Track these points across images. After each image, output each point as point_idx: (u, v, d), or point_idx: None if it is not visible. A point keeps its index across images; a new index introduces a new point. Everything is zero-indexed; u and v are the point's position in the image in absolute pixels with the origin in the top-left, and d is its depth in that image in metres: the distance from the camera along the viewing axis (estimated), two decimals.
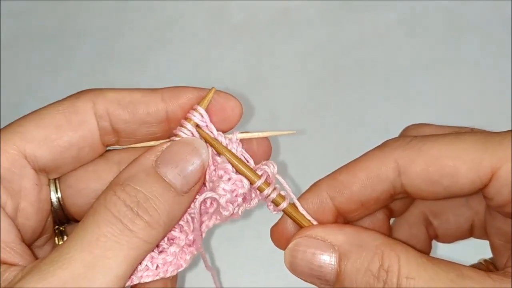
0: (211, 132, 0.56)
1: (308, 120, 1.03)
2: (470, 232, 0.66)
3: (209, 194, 0.54)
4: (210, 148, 0.56)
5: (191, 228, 0.57)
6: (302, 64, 1.09)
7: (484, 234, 0.64)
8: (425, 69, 1.06)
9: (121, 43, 1.13)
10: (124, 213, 0.48)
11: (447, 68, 1.05)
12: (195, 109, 0.56)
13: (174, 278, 0.59)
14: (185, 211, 0.54)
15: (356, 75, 1.06)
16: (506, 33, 1.07)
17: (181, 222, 0.56)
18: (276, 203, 0.57)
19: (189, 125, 0.56)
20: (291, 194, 0.58)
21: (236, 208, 0.56)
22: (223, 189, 0.54)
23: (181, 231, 0.57)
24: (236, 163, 0.56)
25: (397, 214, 0.66)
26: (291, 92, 1.06)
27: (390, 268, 0.49)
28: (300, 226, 0.57)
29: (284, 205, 0.57)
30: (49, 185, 0.57)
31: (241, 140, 0.58)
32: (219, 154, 0.56)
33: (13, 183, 0.53)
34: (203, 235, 0.59)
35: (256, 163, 0.58)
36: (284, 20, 1.13)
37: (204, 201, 0.56)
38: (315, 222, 0.57)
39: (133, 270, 0.50)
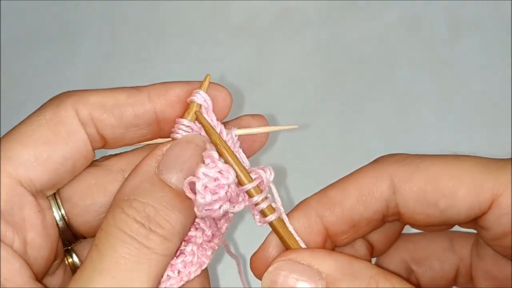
0: (212, 120, 0.53)
1: (308, 120, 1.03)
2: (454, 281, 0.61)
3: (190, 178, 0.49)
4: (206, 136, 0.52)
5: (207, 223, 0.53)
6: (302, 64, 1.09)
7: (468, 281, 0.60)
8: (425, 69, 1.05)
9: (121, 43, 1.13)
10: (137, 231, 0.45)
11: (447, 68, 1.05)
12: (196, 93, 0.52)
13: (205, 275, 0.55)
14: None
15: (356, 75, 1.06)
16: (506, 33, 1.07)
17: (197, 220, 0.53)
18: (264, 214, 0.52)
19: (185, 121, 0.52)
20: (281, 207, 0.53)
21: (218, 203, 0.50)
22: (203, 173, 0.48)
23: (196, 229, 0.53)
24: (229, 159, 0.51)
25: (378, 252, 0.60)
26: (291, 92, 1.06)
27: None
28: (285, 247, 0.52)
29: (272, 217, 0.51)
30: (50, 207, 0.53)
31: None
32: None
33: (14, 216, 0.48)
34: (224, 228, 0.55)
35: (247, 155, 0.54)
36: (284, 20, 1.13)
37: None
38: (303, 244, 0.52)
39: (158, 285, 0.48)
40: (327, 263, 0.47)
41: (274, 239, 0.53)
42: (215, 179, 0.49)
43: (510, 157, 0.51)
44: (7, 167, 0.48)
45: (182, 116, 0.53)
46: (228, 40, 1.12)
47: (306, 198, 0.54)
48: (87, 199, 0.54)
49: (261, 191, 0.52)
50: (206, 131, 0.52)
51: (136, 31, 1.14)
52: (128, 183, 0.49)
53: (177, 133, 0.52)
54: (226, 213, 0.52)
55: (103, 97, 0.52)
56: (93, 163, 0.56)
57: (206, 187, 0.49)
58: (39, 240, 0.50)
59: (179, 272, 0.51)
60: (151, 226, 0.46)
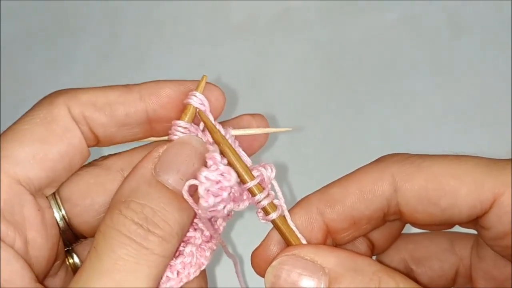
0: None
1: (308, 120, 1.03)
2: (453, 281, 0.61)
3: (191, 181, 0.49)
4: (206, 137, 0.53)
5: (206, 224, 0.53)
6: (302, 64, 1.09)
7: (467, 282, 0.60)
8: (425, 69, 1.05)
9: (121, 43, 1.13)
10: (135, 232, 0.45)
11: (447, 68, 1.05)
12: (192, 95, 0.52)
13: (203, 275, 0.55)
14: (195, 214, 0.51)
15: (356, 75, 1.06)
16: (506, 33, 1.07)
17: (195, 220, 0.53)
18: (266, 212, 0.52)
19: (182, 123, 0.52)
20: (283, 204, 0.53)
21: (221, 204, 0.50)
22: (205, 177, 0.48)
23: (195, 230, 0.53)
24: (232, 157, 0.51)
25: (378, 250, 0.61)
26: (291, 92, 1.06)
27: None
28: (287, 243, 0.52)
29: (273, 215, 0.52)
30: (50, 206, 0.53)
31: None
32: (213, 143, 0.52)
33: (15, 215, 0.48)
34: (222, 228, 0.55)
35: (247, 155, 0.54)
36: (284, 20, 1.13)
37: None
38: (304, 241, 0.52)
39: (157, 286, 0.48)
40: (330, 259, 0.48)
41: (276, 236, 0.54)
42: (217, 182, 0.49)
43: (510, 157, 0.51)
44: (5, 166, 0.48)
45: (177, 117, 0.53)
46: (228, 40, 1.12)
47: (307, 195, 0.54)
48: (87, 199, 0.54)
49: (263, 189, 0.52)
50: (209, 130, 0.52)
51: (136, 31, 1.14)
52: (126, 185, 0.49)
53: (174, 134, 0.52)
54: (230, 212, 0.53)
55: (94, 96, 0.53)
56: (92, 163, 0.56)
57: (208, 190, 0.49)
58: (39, 240, 0.50)
59: (178, 273, 0.51)
60: (149, 227, 0.46)
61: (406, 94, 1.03)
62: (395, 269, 0.48)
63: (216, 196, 0.49)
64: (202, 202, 0.49)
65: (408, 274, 0.61)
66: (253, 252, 0.55)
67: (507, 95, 1.00)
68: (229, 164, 0.51)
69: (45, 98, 0.53)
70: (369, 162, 0.54)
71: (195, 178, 0.49)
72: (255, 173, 0.52)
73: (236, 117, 0.56)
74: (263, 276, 0.52)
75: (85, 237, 0.56)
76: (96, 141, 0.54)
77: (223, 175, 0.49)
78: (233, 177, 0.50)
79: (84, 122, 0.52)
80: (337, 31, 1.11)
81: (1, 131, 0.51)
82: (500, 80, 1.03)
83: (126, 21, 1.15)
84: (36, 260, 0.49)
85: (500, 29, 1.07)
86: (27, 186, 0.49)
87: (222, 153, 0.51)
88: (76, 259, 0.58)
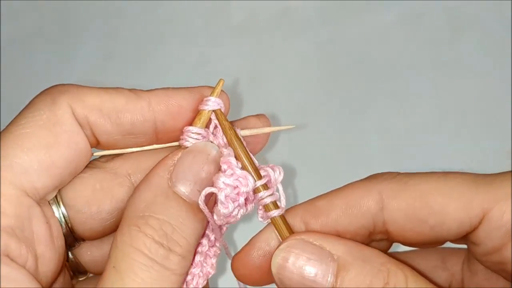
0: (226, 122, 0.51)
1: (308, 120, 1.03)
2: None
3: (208, 189, 0.48)
4: (218, 140, 0.51)
5: (211, 229, 0.52)
6: (302, 64, 1.09)
7: None
8: (425, 69, 1.05)
9: (121, 43, 1.13)
10: (156, 252, 0.44)
11: (447, 68, 1.05)
12: (208, 100, 0.51)
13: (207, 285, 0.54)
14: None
15: (356, 75, 1.06)
16: (506, 33, 1.07)
17: None
18: (266, 209, 0.51)
19: (196, 129, 0.51)
20: (283, 202, 0.52)
21: (237, 209, 0.50)
22: (224, 182, 0.48)
23: (202, 237, 0.52)
24: (245, 160, 0.50)
25: None
26: (291, 92, 1.06)
27: (397, 286, 0.44)
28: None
29: (275, 213, 0.51)
30: (54, 214, 0.50)
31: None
32: (226, 145, 0.51)
33: (25, 231, 0.45)
34: (224, 229, 0.54)
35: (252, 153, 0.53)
36: (284, 20, 1.13)
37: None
38: None
39: None
40: (339, 247, 0.47)
41: (259, 242, 0.53)
42: (235, 187, 0.49)
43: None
44: (9, 176, 0.44)
45: (186, 125, 0.52)
46: (228, 40, 1.12)
47: (295, 205, 0.54)
48: (93, 206, 0.51)
49: (268, 188, 0.51)
50: (225, 132, 0.51)
51: (136, 31, 1.14)
52: (141, 197, 0.47)
53: (187, 140, 0.51)
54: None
55: (100, 99, 0.49)
56: (96, 164, 0.53)
57: (227, 196, 0.48)
58: (48, 254, 0.47)
59: (186, 283, 0.51)
60: (169, 246, 0.45)
61: (406, 94, 1.03)
62: (404, 263, 0.47)
63: (234, 201, 0.49)
64: (222, 209, 0.48)
65: None
66: (234, 257, 0.54)
67: (507, 95, 1.00)
68: (243, 167, 0.50)
69: (45, 94, 0.50)
70: (358, 180, 0.54)
71: (211, 185, 0.48)
72: (262, 172, 0.51)
73: (242, 118, 0.55)
74: (242, 281, 0.52)
75: (84, 240, 0.55)
76: (96, 144, 0.51)
77: (239, 180, 0.49)
78: (250, 182, 0.49)
79: (88, 127, 0.49)
80: (337, 31, 1.11)
81: (1, 131, 0.49)
82: (500, 80, 1.03)
83: (127, 21, 1.15)
84: (43, 275, 0.47)
85: (500, 29, 1.07)
86: (34, 196, 0.46)
87: (236, 156, 0.50)
88: (70, 256, 0.57)
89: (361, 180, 0.53)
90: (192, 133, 0.50)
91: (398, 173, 0.51)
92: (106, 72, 1.09)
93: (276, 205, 0.52)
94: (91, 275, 0.59)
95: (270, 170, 0.52)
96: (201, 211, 0.47)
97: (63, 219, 0.50)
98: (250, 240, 0.54)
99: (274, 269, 0.48)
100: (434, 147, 0.96)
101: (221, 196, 0.48)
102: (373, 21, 1.11)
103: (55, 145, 0.47)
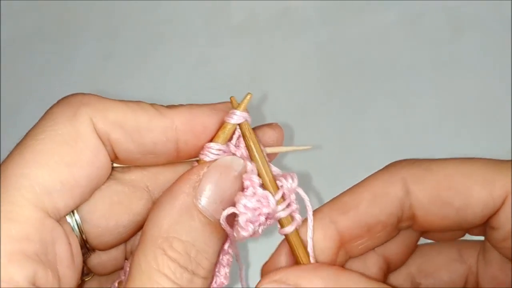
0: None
1: (308, 120, 1.03)
2: None
3: (230, 210, 0.47)
4: (241, 151, 0.50)
5: (233, 245, 0.52)
6: (302, 64, 1.09)
7: None
8: (425, 69, 1.05)
9: (121, 43, 1.13)
10: (181, 276, 0.44)
11: (447, 68, 1.05)
12: (232, 113, 0.49)
13: None
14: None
15: (356, 75, 1.06)
16: (506, 33, 1.07)
17: None
18: (281, 225, 0.50)
19: (216, 146, 0.49)
20: (298, 217, 0.50)
21: (257, 227, 0.48)
22: (245, 206, 0.47)
23: None
24: (266, 177, 0.49)
25: (393, 266, 0.58)
26: (291, 92, 1.06)
27: None
28: (296, 260, 0.50)
29: (287, 230, 0.50)
30: (72, 230, 0.48)
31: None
32: (248, 159, 0.50)
33: (48, 255, 0.43)
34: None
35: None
36: (284, 20, 1.13)
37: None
38: (312, 259, 0.50)
39: None
40: (313, 281, 0.46)
41: (285, 249, 0.52)
42: (256, 209, 0.48)
43: (510, 157, 0.51)
44: (32, 198, 0.42)
45: (212, 137, 0.50)
46: (228, 40, 1.12)
47: (319, 207, 0.53)
48: (111, 221, 0.49)
49: (283, 200, 0.50)
50: (250, 148, 0.50)
51: (136, 31, 1.14)
52: (165, 214, 0.45)
53: (207, 156, 0.49)
54: None
55: (123, 115, 0.46)
56: (113, 175, 0.51)
57: (247, 220, 0.48)
58: (69, 273, 0.45)
59: None
60: (193, 269, 0.45)
61: (406, 94, 1.03)
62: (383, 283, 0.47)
63: (254, 222, 0.48)
64: (242, 232, 0.48)
65: None
66: (263, 266, 0.54)
67: (507, 95, 1.00)
68: (264, 184, 0.49)
69: (65, 105, 0.46)
70: (378, 170, 0.53)
71: (234, 202, 0.47)
72: (278, 183, 0.50)
73: (256, 128, 0.53)
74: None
75: (94, 250, 0.53)
76: (115, 159, 0.49)
77: (261, 201, 0.48)
78: (272, 202, 0.48)
79: (108, 143, 0.47)
80: (337, 31, 1.11)
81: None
82: (500, 80, 1.03)
83: (126, 22, 1.15)
84: None
85: (500, 29, 1.07)
86: (55, 217, 0.44)
87: (258, 173, 0.49)
88: None
89: (381, 170, 0.53)
90: (214, 149, 0.49)
91: (417, 160, 0.52)
92: (106, 72, 1.09)
93: (289, 219, 0.50)
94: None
95: (284, 180, 0.50)
96: (222, 228, 0.47)
97: (78, 232, 0.48)
98: (277, 247, 0.53)
99: None
100: (434, 147, 0.96)
101: (241, 221, 0.47)
102: (373, 21, 1.11)
103: (78, 163, 0.44)
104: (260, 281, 0.48)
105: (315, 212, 0.53)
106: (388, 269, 0.58)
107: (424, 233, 0.57)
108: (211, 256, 0.46)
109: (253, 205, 0.47)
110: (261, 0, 1.14)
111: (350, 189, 0.53)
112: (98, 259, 0.54)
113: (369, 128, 1.00)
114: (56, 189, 0.43)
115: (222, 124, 0.50)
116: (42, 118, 0.46)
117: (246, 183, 0.48)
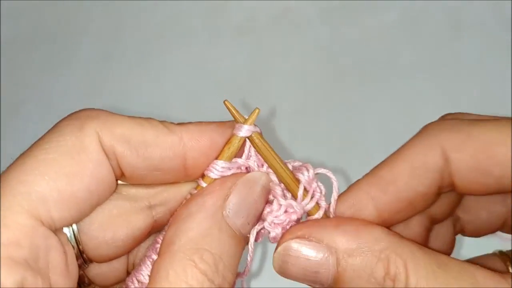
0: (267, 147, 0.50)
1: (308, 120, 1.03)
2: (499, 228, 0.59)
3: (260, 226, 0.48)
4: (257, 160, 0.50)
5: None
6: (302, 64, 1.09)
7: (509, 231, 0.58)
8: (425, 69, 1.06)
9: (121, 43, 1.13)
10: None
11: (447, 68, 1.05)
12: (240, 127, 0.49)
13: None
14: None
15: (356, 75, 1.06)
16: (506, 33, 1.07)
17: None
18: (308, 214, 0.50)
19: (222, 163, 0.48)
20: (323, 203, 0.51)
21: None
22: (273, 223, 0.48)
23: None
24: (290, 182, 0.50)
25: (438, 220, 0.57)
26: (291, 92, 1.06)
27: (397, 276, 0.44)
28: None
29: (316, 217, 0.50)
30: (68, 240, 0.47)
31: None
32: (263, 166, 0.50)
33: (39, 261, 0.42)
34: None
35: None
36: (284, 20, 1.13)
37: None
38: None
39: None
40: (335, 237, 0.46)
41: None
42: (284, 221, 0.49)
43: None
44: (26, 204, 0.42)
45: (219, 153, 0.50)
46: (228, 40, 1.12)
47: (357, 180, 0.52)
48: (108, 232, 0.48)
49: (307, 192, 0.50)
50: (266, 158, 0.50)
51: (136, 31, 1.14)
52: (196, 227, 0.45)
53: (213, 172, 0.49)
54: None
55: (130, 130, 0.46)
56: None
57: (277, 235, 0.49)
58: (62, 281, 0.45)
59: None
60: (220, 283, 0.44)
61: (406, 94, 1.03)
62: (409, 239, 0.46)
63: (283, 229, 0.49)
64: (274, 242, 0.49)
65: (455, 222, 0.59)
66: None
67: (507, 95, 1.00)
68: (289, 190, 0.50)
69: (72, 118, 0.46)
70: (415, 135, 0.52)
71: (260, 216, 0.49)
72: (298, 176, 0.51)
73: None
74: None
75: (91, 261, 0.52)
76: (121, 176, 0.48)
77: (288, 211, 0.49)
78: (298, 207, 0.49)
79: (114, 158, 0.46)
80: (337, 31, 1.11)
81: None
82: (500, 80, 1.03)
83: (127, 21, 1.15)
84: None
85: (500, 29, 1.07)
86: (49, 226, 0.43)
87: (279, 179, 0.50)
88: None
89: (418, 135, 0.52)
90: (219, 166, 0.49)
91: (458, 121, 0.50)
92: (106, 72, 1.09)
93: (317, 207, 0.51)
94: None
95: (300, 175, 0.50)
96: (244, 240, 0.47)
97: (74, 243, 0.48)
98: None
99: (276, 266, 0.48)
100: None
101: (272, 236, 0.49)
102: (373, 21, 1.11)
103: (78, 174, 0.44)
104: (282, 236, 0.48)
105: (352, 186, 0.52)
106: (432, 223, 0.57)
107: (466, 193, 0.56)
108: (235, 270, 0.46)
109: (281, 220, 0.49)
110: (261, 0, 1.14)
111: (386, 160, 0.52)
112: (98, 270, 0.54)
113: (369, 128, 1.01)
114: (52, 198, 0.43)
115: (229, 138, 0.50)
116: (50, 130, 0.46)
117: (272, 197, 0.49)
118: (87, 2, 1.17)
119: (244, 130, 0.49)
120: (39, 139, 0.45)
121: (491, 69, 1.04)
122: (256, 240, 0.49)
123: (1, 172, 0.44)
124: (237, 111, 0.50)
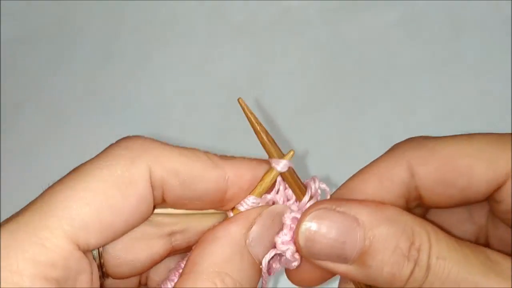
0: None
1: (308, 120, 1.03)
2: None
3: (272, 253, 0.50)
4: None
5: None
6: (302, 64, 1.09)
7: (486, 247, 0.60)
8: (425, 69, 1.06)
9: (121, 43, 1.13)
10: None
11: (447, 68, 1.05)
12: (278, 162, 0.52)
13: None
14: None
15: (356, 75, 1.06)
16: (506, 33, 1.07)
17: None
18: None
19: (254, 199, 0.51)
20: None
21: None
22: (283, 242, 0.50)
23: None
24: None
25: None
26: (291, 92, 1.06)
27: (421, 247, 0.45)
28: None
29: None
30: (94, 259, 0.49)
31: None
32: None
33: (68, 282, 0.44)
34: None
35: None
36: (284, 20, 1.13)
37: None
38: None
39: None
40: (363, 210, 0.47)
41: None
42: (292, 237, 0.51)
43: None
44: (68, 229, 0.44)
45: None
46: (228, 40, 1.12)
47: (332, 194, 0.54)
48: (130, 254, 0.51)
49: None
50: (299, 195, 0.52)
51: (136, 31, 1.15)
52: (220, 252, 0.47)
53: (243, 206, 0.51)
54: None
55: (179, 164, 0.48)
56: None
57: (292, 253, 0.51)
58: None
59: None
60: None
61: (406, 94, 1.03)
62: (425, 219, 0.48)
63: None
64: (294, 263, 0.52)
65: None
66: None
67: (507, 95, 1.00)
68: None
69: (125, 148, 0.48)
70: (385, 152, 0.55)
71: (275, 245, 0.50)
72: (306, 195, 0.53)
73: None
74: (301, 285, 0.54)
75: (108, 276, 0.54)
76: (161, 203, 0.50)
77: (291, 228, 0.51)
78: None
79: (160, 188, 0.48)
80: (337, 31, 1.11)
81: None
82: (500, 80, 1.03)
83: (126, 21, 1.15)
84: None
85: (500, 29, 1.07)
86: (83, 250, 0.45)
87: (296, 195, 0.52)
88: None
89: (387, 152, 0.54)
90: (250, 202, 0.51)
91: (424, 138, 0.53)
92: (105, 72, 1.09)
93: None
94: None
95: (309, 189, 0.53)
96: (261, 270, 0.49)
97: (98, 260, 0.50)
98: None
99: (301, 242, 0.48)
100: None
101: (288, 255, 0.51)
102: (373, 21, 1.11)
103: (121, 208, 0.46)
104: (307, 210, 0.49)
105: (326, 200, 0.54)
106: None
107: (431, 207, 0.58)
108: None
109: (289, 237, 0.50)
110: (261, 0, 1.14)
111: (356, 174, 0.54)
112: (112, 282, 0.55)
113: (369, 128, 1.01)
114: (93, 227, 0.45)
115: (262, 177, 0.52)
116: (101, 155, 0.47)
117: (285, 231, 0.51)
118: (87, 2, 1.17)
119: (282, 164, 0.51)
120: (90, 162, 0.47)
121: (491, 69, 1.04)
122: (269, 273, 0.51)
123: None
124: (276, 147, 0.52)
